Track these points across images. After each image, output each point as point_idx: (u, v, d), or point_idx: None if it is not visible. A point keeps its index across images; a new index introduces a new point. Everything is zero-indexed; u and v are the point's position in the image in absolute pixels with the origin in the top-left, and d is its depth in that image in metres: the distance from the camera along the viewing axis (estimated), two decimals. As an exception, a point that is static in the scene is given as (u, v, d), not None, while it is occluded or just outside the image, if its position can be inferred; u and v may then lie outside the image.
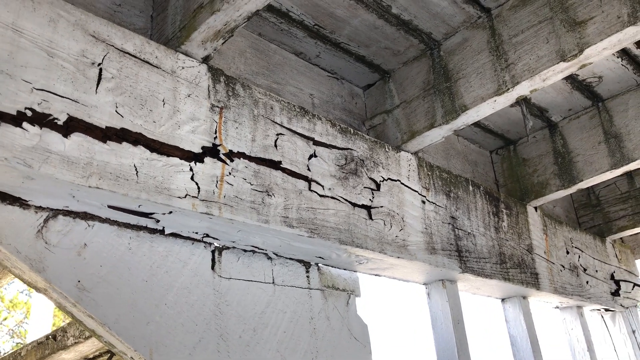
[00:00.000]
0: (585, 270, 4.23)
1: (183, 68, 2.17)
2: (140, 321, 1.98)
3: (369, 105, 3.29)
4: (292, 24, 2.81)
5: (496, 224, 3.47)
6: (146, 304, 2.02)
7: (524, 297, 3.70)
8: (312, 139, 2.56)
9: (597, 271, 4.40)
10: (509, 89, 2.64)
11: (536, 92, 3.53)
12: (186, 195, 2.00)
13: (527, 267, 3.56)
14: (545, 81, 2.59)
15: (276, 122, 2.43)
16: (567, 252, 4.09)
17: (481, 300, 3.79)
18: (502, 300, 3.82)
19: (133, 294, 2.00)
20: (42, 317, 6.50)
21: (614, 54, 3.29)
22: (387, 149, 2.91)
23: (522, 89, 2.64)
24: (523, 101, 3.51)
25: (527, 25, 2.68)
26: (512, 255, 3.48)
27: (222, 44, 2.20)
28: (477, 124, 3.85)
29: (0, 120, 1.62)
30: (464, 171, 3.83)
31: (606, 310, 4.60)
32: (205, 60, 2.24)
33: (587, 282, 4.19)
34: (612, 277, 4.62)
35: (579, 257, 4.22)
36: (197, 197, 2.03)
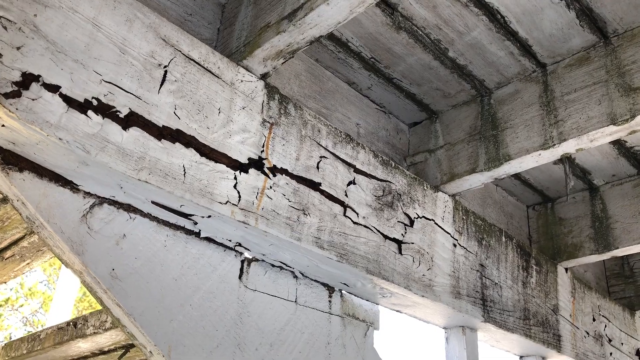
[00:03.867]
0: (610, 340, 4.12)
1: (242, 81, 2.25)
2: (165, 317, 2.03)
3: (412, 142, 3.33)
4: (350, 54, 2.89)
5: (524, 278, 3.44)
6: (172, 302, 2.07)
7: (543, 358, 3.62)
8: (354, 167, 2.60)
9: (622, 344, 4.28)
10: (555, 144, 2.65)
11: (581, 153, 3.52)
12: (227, 202, 2.06)
13: (551, 327, 3.49)
14: (593, 142, 2.60)
15: (321, 145, 2.49)
16: (594, 319, 4.00)
17: (498, 354, 3.72)
18: (520, 357, 3.74)
19: (162, 290, 2.05)
20: (62, 308, 6.63)
21: (665, 126, 3.26)
22: (425, 187, 2.94)
23: (569, 146, 2.64)
24: (567, 160, 3.50)
25: (580, 84, 2.70)
26: (537, 313, 3.43)
27: (282, 63, 2.29)
28: (517, 177, 3.84)
29: (68, 105, 1.72)
30: (499, 221, 3.81)
31: (627, 385, 4.46)
32: (264, 77, 2.33)
33: (611, 354, 4.08)
34: (638, 353, 4.48)
35: (605, 326, 4.12)
36: (236, 205, 2.09)
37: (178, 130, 2.00)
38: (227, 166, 2.11)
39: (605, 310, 4.20)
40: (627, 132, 2.52)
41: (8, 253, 3.88)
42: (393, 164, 2.81)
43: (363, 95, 3.17)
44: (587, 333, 3.85)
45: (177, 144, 1.99)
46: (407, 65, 2.94)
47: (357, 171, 2.62)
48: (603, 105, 2.57)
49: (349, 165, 2.59)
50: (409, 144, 3.35)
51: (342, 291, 2.72)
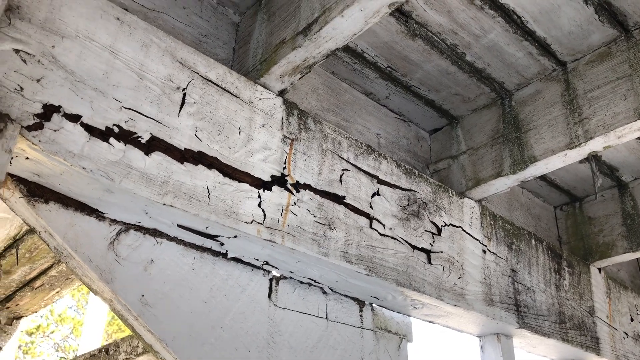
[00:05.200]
0: (649, 340, 4.00)
1: (260, 99, 2.25)
2: (197, 341, 2.01)
3: (434, 149, 3.29)
4: (366, 65, 2.87)
5: (557, 281, 3.36)
6: (203, 325, 2.05)
7: (583, 362, 3.52)
8: (377, 177, 2.57)
9: (662, 343, 4.16)
10: (581, 143, 2.59)
11: (607, 150, 3.45)
12: (252, 221, 2.05)
13: (588, 330, 3.41)
14: (620, 138, 2.53)
15: (343, 158, 2.46)
16: (632, 320, 3.90)
17: (535, 360, 3.64)
18: (558, 362, 3.65)
19: (192, 313, 2.04)
20: (93, 332, 6.67)
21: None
22: (450, 194, 2.89)
23: (596, 144, 2.58)
24: (593, 158, 3.43)
25: (604, 81, 2.64)
26: (572, 316, 3.34)
27: (299, 79, 2.28)
28: (543, 178, 3.77)
29: (90, 134, 1.72)
30: (527, 224, 3.74)
31: (670, 386, 4.32)
32: (281, 93, 2.32)
33: (651, 354, 3.97)
34: (679, 351, 4.35)
35: (644, 325, 4.00)
36: (262, 224, 2.07)
37: (200, 152, 1.99)
38: (251, 185, 2.09)
39: (643, 309, 4.09)
40: (656, 126, 2.46)
41: (37, 283, 3.91)
42: (417, 173, 2.78)
43: (381, 104, 3.15)
44: (626, 334, 3.74)
45: (200, 165, 1.98)
46: (425, 72, 2.91)
47: (381, 182, 2.59)
48: (629, 100, 2.51)
49: (372, 176, 2.56)
50: (431, 151, 3.31)
51: (373, 305, 2.68)
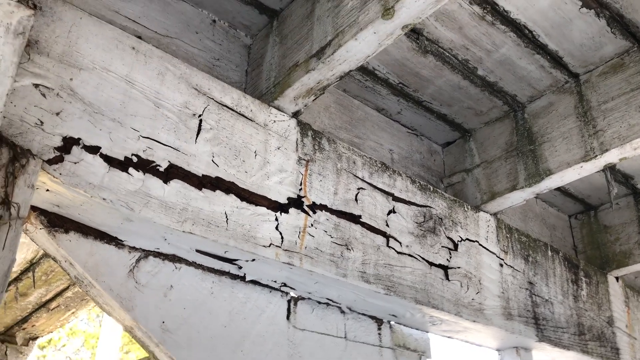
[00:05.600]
0: (669, 348, 3.96)
1: (275, 122, 2.25)
2: (218, 366, 2.01)
3: (447, 163, 3.29)
4: (377, 82, 2.87)
5: (575, 292, 3.34)
6: (224, 350, 2.05)
7: (603, 373, 3.49)
8: (392, 195, 2.57)
9: (682, 350, 4.11)
10: (597, 155, 2.58)
11: (622, 159, 3.43)
12: (270, 245, 2.05)
13: (607, 341, 3.38)
14: (637, 150, 2.52)
15: (358, 177, 2.46)
16: (650, 328, 3.86)
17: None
18: (578, 373, 3.62)
19: (212, 338, 2.04)
20: (109, 346, 6.68)
21: None
22: (465, 209, 2.88)
23: (611, 156, 2.57)
24: (608, 169, 3.41)
25: (617, 92, 2.63)
26: (592, 327, 3.32)
27: (313, 100, 2.29)
28: (557, 188, 3.74)
29: (109, 164, 1.73)
30: (542, 235, 3.72)
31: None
32: (295, 115, 2.33)
33: (672, 362, 3.92)
34: (699, 358, 4.30)
35: (663, 333, 3.96)
36: (280, 247, 2.08)
37: (218, 178, 2.00)
38: (268, 208, 2.10)
39: (661, 317, 4.05)
40: (672, 137, 2.44)
41: (53, 304, 3.93)
42: (431, 188, 2.77)
43: (393, 120, 3.15)
44: (646, 343, 3.71)
45: (218, 191, 1.99)
46: (436, 87, 2.91)
47: (396, 199, 2.59)
48: (644, 112, 2.49)
49: (387, 194, 2.56)
50: (444, 165, 3.30)
51: (391, 322, 2.67)
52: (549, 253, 3.29)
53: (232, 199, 2.01)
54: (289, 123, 2.30)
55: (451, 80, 2.86)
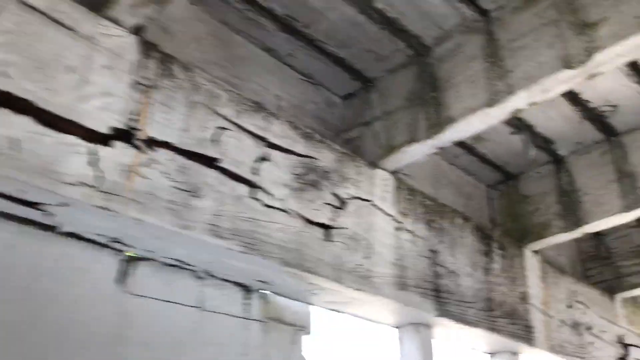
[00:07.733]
0: (589, 329, 3.72)
1: (105, 35, 1.80)
2: (14, 337, 1.55)
3: (347, 116, 2.90)
4: (259, 12, 2.45)
5: (486, 264, 3.02)
6: (23, 317, 1.59)
7: (514, 353, 3.19)
8: (265, 140, 2.16)
9: (603, 332, 3.88)
10: (503, 99, 2.24)
11: (541, 119, 3.12)
12: (79, 182, 1.60)
13: (520, 318, 3.07)
14: (546, 92, 2.19)
15: (220, 114, 2.04)
16: (570, 306, 3.60)
17: (475, 355, 3.28)
18: (491, 355, 3.31)
19: (6, 302, 1.58)
20: None
21: (633, 81, 2.87)
22: (358, 163, 2.50)
23: (519, 100, 2.23)
24: (525, 127, 3.10)
25: (528, 28, 2.29)
26: (503, 303, 3.00)
27: (159, 12, 1.85)
28: (474, 153, 3.43)
29: None
30: (455, 204, 3.38)
31: (611, 377, 4.05)
32: (137, 31, 1.88)
33: (591, 343, 3.68)
34: (621, 340, 4.09)
35: (583, 313, 3.71)
36: (94, 187, 1.63)
37: (7, 93, 1.53)
38: (80, 138, 1.65)
39: (582, 296, 3.80)
40: (585, 76, 2.12)
41: None
42: (318, 137, 2.38)
43: (284, 63, 2.74)
44: (563, 322, 3.44)
45: (7, 110, 1.53)
46: (330, 22, 2.51)
47: (271, 145, 2.18)
48: (555, 48, 2.16)
49: (259, 138, 2.14)
50: (344, 118, 2.91)
51: (265, 292, 2.26)
52: (459, 220, 2.95)
53: (26, 121, 1.55)
54: (126, 40, 1.85)
55: (346, 13, 2.47)
